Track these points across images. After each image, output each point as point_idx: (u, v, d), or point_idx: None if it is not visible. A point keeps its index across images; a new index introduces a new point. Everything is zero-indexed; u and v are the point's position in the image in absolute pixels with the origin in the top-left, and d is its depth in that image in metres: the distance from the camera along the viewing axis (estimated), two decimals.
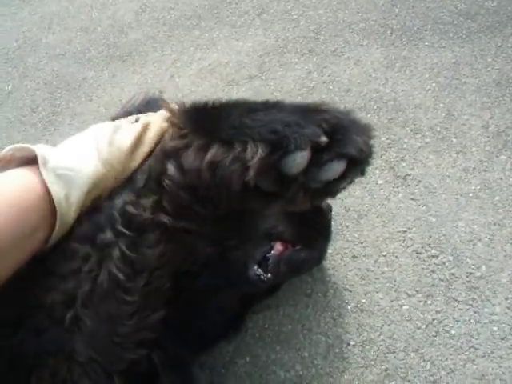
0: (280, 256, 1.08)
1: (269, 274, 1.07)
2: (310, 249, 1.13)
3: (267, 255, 1.08)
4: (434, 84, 1.60)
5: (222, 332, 1.15)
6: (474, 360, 1.11)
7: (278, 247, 1.09)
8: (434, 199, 1.34)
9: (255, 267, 1.08)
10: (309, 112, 0.74)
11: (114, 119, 1.07)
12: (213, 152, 0.72)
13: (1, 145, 1.92)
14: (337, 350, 1.16)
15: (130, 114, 1.16)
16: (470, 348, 1.13)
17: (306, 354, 1.16)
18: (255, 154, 0.68)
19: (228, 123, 0.73)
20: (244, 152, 0.69)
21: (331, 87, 1.66)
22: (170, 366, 0.98)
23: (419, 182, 1.38)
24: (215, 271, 1.04)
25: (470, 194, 1.34)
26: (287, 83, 1.71)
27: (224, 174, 0.71)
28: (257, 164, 0.68)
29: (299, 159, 0.68)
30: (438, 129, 1.48)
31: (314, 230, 1.13)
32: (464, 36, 1.73)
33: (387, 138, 1.49)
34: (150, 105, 1.18)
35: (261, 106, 0.75)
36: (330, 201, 1.25)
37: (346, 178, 0.73)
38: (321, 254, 1.19)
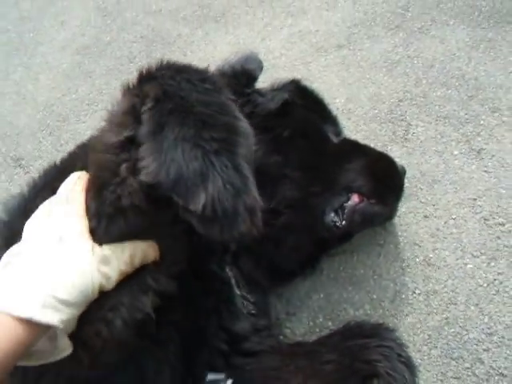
0: (355, 207, 1.21)
1: (343, 222, 1.20)
2: (382, 204, 1.24)
3: (344, 205, 1.21)
4: None
5: (297, 269, 1.28)
6: None
7: (355, 199, 1.22)
8: (506, 173, 1.43)
9: (332, 214, 1.21)
10: None
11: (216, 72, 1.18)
12: None
13: (99, 90, 2.11)
14: (403, 296, 1.29)
15: (232, 67, 1.28)
16: None
17: (375, 297, 1.30)
18: None
19: None
20: None
21: (415, 62, 1.75)
22: (245, 283, 1.13)
23: (493, 156, 1.47)
24: (297, 212, 1.18)
25: None
26: (373, 55, 1.81)
27: None
28: None
29: None
30: None
31: (388, 188, 1.25)
32: None
33: (465, 114, 1.58)
34: (248, 61, 1.30)
35: None
36: (405, 163, 1.37)
37: None
38: (391, 211, 1.30)
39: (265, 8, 2.12)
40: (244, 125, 0.76)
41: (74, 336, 0.70)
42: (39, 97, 2.13)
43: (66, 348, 0.68)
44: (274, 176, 1.14)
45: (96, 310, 0.72)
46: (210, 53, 2.02)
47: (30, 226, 0.73)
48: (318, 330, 1.26)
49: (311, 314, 1.29)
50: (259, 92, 1.25)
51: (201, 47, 2.05)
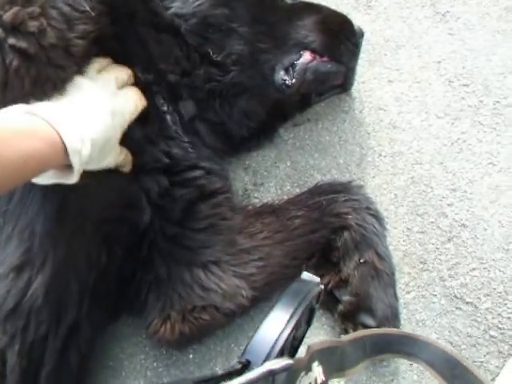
0: (307, 65, 1.16)
1: (293, 80, 1.15)
2: (336, 62, 1.20)
3: (295, 62, 1.16)
4: None
5: (251, 136, 1.25)
6: (491, 174, 1.25)
7: (307, 56, 1.16)
8: (471, 35, 1.41)
9: (282, 72, 1.17)
10: None
11: None
12: None
13: None
14: (369, 159, 1.29)
15: None
16: (488, 164, 1.26)
17: (342, 161, 1.30)
18: None
19: None
20: None
21: None
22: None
23: (458, 18, 1.44)
24: (245, 70, 1.13)
25: (508, 31, 1.40)
26: None
27: None
28: None
29: None
30: None
31: (342, 45, 1.19)
32: None
33: None
34: None
35: None
36: (369, 31, 1.33)
37: None
38: (348, 71, 1.26)
39: None
40: None
41: None
42: None
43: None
44: (221, 29, 1.10)
45: None
46: None
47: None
48: (285, 198, 1.25)
49: (279, 182, 1.28)
50: None
51: None
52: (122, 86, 0.92)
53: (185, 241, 1.02)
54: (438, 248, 1.17)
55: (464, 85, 1.34)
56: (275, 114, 1.26)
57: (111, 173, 0.93)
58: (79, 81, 0.84)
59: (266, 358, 0.55)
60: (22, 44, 0.74)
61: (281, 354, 0.56)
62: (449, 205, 1.21)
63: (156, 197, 1.00)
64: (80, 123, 0.76)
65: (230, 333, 1.12)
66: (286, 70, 1.17)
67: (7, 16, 0.74)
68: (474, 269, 1.15)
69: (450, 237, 1.18)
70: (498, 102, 1.31)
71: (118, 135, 0.88)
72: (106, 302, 1.01)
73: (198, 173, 1.06)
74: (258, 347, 0.57)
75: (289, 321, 0.60)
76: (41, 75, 0.77)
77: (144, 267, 1.02)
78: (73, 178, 0.76)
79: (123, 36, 0.97)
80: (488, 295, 1.11)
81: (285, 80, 1.16)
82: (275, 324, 0.60)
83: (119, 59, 0.96)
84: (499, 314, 1.09)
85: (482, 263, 1.15)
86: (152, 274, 1.02)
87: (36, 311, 0.90)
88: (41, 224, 0.90)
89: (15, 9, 0.75)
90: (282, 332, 0.58)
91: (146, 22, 1.03)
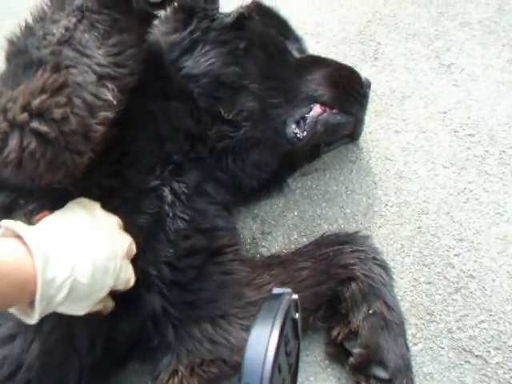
0: (318, 117, 1.20)
1: (305, 133, 1.20)
2: (346, 114, 1.23)
3: (306, 116, 1.21)
4: None
5: (261, 187, 1.27)
6: (498, 224, 1.25)
7: (317, 109, 1.21)
8: (476, 86, 1.44)
9: (293, 125, 1.21)
10: None
11: None
12: None
13: None
14: (376, 209, 1.31)
15: None
16: (495, 214, 1.26)
17: (348, 211, 1.32)
18: None
19: None
20: None
21: None
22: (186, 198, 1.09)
23: (463, 70, 1.47)
24: (257, 125, 1.18)
25: None
26: None
27: None
28: None
29: None
30: (487, 22, 1.54)
31: (351, 97, 1.24)
32: None
33: (435, 30, 1.56)
34: None
35: None
36: (375, 82, 1.36)
37: None
38: (357, 122, 1.29)
39: None
40: None
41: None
42: None
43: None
44: (232, 87, 1.14)
45: None
46: None
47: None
48: (293, 246, 1.27)
49: (286, 231, 1.30)
50: (217, 10, 1.23)
51: None
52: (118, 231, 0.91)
53: (193, 299, 1.04)
54: (445, 299, 1.16)
55: (470, 135, 1.36)
56: (285, 164, 1.29)
57: None
58: (83, 215, 0.85)
59: (261, 377, 0.55)
60: (43, 128, 0.78)
61: (278, 369, 0.57)
62: (456, 255, 1.21)
63: (160, 284, 1.01)
64: (68, 262, 0.75)
65: (235, 382, 1.12)
66: (297, 123, 1.21)
67: (35, 103, 0.79)
68: (482, 321, 1.13)
69: (458, 288, 1.17)
70: (503, 151, 1.32)
71: (106, 288, 0.84)
72: (109, 366, 1.03)
73: (197, 237, 1.07)
74: (251, 368, 0.58)
75: (270, 335, 0.61)
76: (57, 159, 0.81)
77: (150, 331, 1.02)
78: (32, 320, 0.73)
79: (132, 113, 0.99)
80: (498, 349, 1.10)
81: (296, 133, 1.20)
82: (258, 342, 0.60)
83: (124, 139, 0.99)
84: (511, 369, 1.08)
85: (491, 315, 1.14)
86: (159, 332, 1.02)
87: (33, 381, 0.90)
88: None
89: (44, 97, 0.79)
90: (267, 348, 0.58)
91: (157, 93, 1.07)
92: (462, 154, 1.33)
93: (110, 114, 0.85)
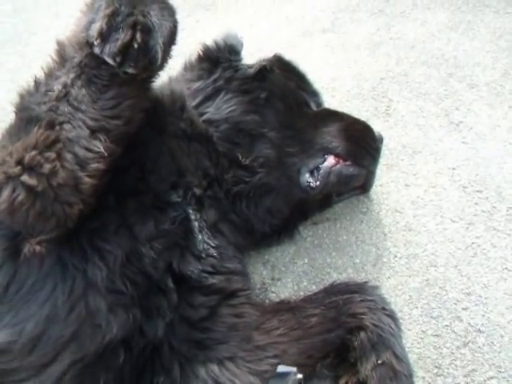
0: (331, 168, 1.26)
1: (318, 182, 1.25)
2: (358, 166, 1.29)
3: (320, 166, 1.26)
4: (494, 46, 1.73)
5: (273, 232, 1.31)
6: (506, 279, 1.27)
7: (331, 160, 1.26)
8: (484, 144, 1.49)
9: (307, 175, 1.26)
10: None
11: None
12: None
13: None
14: (385, 260, 1.33)
15: (215, 42, 1.36)
16: (503, 269, 1.28)
17: (358, 261, 1.34)
18: None
19: None
20: None
21: (397, 43, 1.81)
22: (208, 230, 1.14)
23: (471, 128, 1.53)
24: (272, 172, 1.23)
25: None
26: (357, 37, 1.87)
27: None
28: None
29: None
30: (494, 85, 1.62)
31: (364, 150, 1.29)
32: None
33: (445, 90, 1.63)
34: (228, 37, 1.37)
35: None
36: (387, 137, 1.42)
37: None
38: (369, 175, 1.34)
39: None
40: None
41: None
42: None
43: None
44: (251, 134, 1.20)
45: None
46: (200, 38, 2.06)
47: None
48: (302, 293, 1.28)
49: (296, 278, 1.32)
50: (241, 61, 1.31)
51: (191, 33, 2.10)
52: None
53: (201, 338, 1.05)
54: (453, 353, 1.17)
55: (477, 191, 1.40)
56: (297, 212, 1.33)
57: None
58: None
59: None
60: (32, 181, 0.83)
61: None
62: (464, 309, 1.23)
63: (168, 312, 1.02)
64: None
65: None
66: (311, 173, 1.26)
67: (27, 158, 0.84)
68: (491, 377, 1.13)
69: (466, 342, 1.18)
70: (510, 208, 1.36)
71: None
72: None
73: (219, 278, 1.10)
74: None
75: None
76: (46, 210, 0.85)
77: (156, 366, 1.03)
78: None
79: (152, 149, 1.06)
80: None
81: (310, 182, 1.25)
82: None
83: (147, 172, 1.04)
84: None
85: (499, 371, 1.13)
86: (165, 369, 1.02)
87: None
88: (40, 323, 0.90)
89: (35, 152, 0.85)
90: None
91: (178, 133, 1.13)
92: (470, 209, 1.37)
93: (101, 166, 0.89)
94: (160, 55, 0.88)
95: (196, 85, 1.25)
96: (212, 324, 1.05)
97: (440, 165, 1.46)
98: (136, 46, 0.86)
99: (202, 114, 1.21)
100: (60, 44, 0.95)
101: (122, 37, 0.86)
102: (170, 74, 1.30)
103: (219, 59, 1.28)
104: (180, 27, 1.94)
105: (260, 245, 1.35)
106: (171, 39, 0.95)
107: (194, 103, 1.22)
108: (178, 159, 1.11)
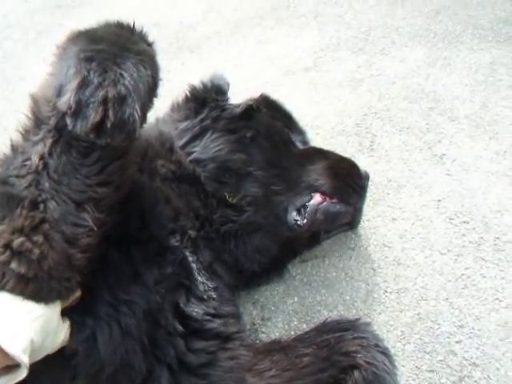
0: (318, 206, 1.26)
1: (305, 220, 1.25)
2: (345, 203, 1.29)
3: (306, 204, 1.26)
4: (471, 80, 1.78)
5: (262, 271, 1.30)
6: (498, 310, 1.26)
7: (318, 198, 1.27)
8: (467, 175, 1.51)
9: (294, 213, 1.26)
10: None
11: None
12: None
13: None
14: (375, 296, 1.33)
15: (202, 83, 1.38)
16: (494, 300, 1.28)
17: (348, 298, 1.33)
18: None
19: None
20: None
21: (378, 80, 1.85)
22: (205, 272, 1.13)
23: (454, 160, 1.55)
24: (259, 210, 1.23)
25: (500, 173, 1.50)
26: (339, 75, 1.91)
27: None
28: None
29: None
30: (473, 117, 1.65)
31: (350, 188, 1.30)
32: (502, 40, 1.90)
33: (427, 124, 1.67)
34: (215, 78, 1.41)
35: None
36: (372, 172, 1.44)
37: None
38: (356, 212, 1.35)
39: (237, 38, 2.24)
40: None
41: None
42: None
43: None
44: (238, 173, 1.22)
45: None
46: (185, 80, 2.10)
47: None
48: (293, 333, 1.27)
49: (286, 317, 1.31)
50: (227, 101, 1.33)
51: (177, 75, 2.14)
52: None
53: (195, 381, 1.02)
54: None
55: (464, 222, 1.41)
56: (285, 250, 1.33)
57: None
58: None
59: None
60: (21, 269, 0.79)
61: None
62: (457, 342, 1.22)
63: (174, 359, 1.00)
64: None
65: None
66: (298, 211, 1.26)
67: (15, 244, 0.79)
68: None
69: (462, 376, 1.16)
70: (498, 238, 1.36)
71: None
72: None
73: (218, 322, 1.08)
74: None
75: None
76: (42, 290, 0.81)
77: None
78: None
79: (148, 197, 1.04)
80: None
81: (297, 220, 1.25)
82: None
83: (147, 221, 1.03)
84: None
85: None
86: None
87: None
88: None
89: (22, 238, 0.79)
90: None
91: (169, 175, 1.14)
92: (457, 240, 1.37)
93: (91, 240, 0.84)
94: (138, 123, 0.79)
95: (183, 124, 1.26)
96: (211, 370, 1.03)
97: (425, 197, 1.47)
98: (109, 124, 0.76)
99: (189, 154, 1.22)
100: (34, 100, 0.88)
101: (93, 116, 0.76)
102: (157, 115, 1.31)
103: (206, 99, 1.30)
104: (165, 69, 2.00)
105: (250, 284, 1.34)
106: (150, 95, 0.87)
107: (181, 143, 1.23)
108: (172, 202, 1.11)
